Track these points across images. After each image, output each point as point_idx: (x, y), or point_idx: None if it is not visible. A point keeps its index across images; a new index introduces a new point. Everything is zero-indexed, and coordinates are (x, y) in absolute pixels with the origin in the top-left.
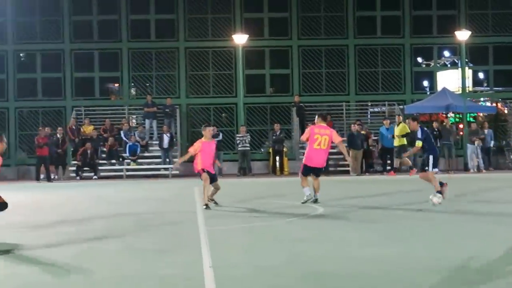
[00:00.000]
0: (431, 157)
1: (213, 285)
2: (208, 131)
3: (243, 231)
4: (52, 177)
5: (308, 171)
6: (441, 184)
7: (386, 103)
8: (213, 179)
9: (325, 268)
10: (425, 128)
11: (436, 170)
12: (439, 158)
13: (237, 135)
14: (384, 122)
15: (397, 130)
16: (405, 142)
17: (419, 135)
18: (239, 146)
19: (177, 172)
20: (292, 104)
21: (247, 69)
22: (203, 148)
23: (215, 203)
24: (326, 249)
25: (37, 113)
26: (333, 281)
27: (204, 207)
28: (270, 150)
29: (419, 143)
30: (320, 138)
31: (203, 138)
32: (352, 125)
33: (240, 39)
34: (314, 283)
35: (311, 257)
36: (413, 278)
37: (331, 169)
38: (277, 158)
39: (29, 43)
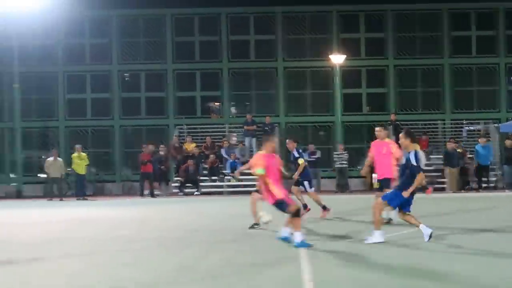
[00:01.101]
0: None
1: None
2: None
3: (341, 246)
4: (156, 192)
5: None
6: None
7: (482, 121)
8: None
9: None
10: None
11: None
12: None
13: (335, 152)
14: (480, 140)
15: None
16: None
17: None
18: (337, 163)
19: None
20: (389, 122)
21: (344, 88)
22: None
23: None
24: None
25: (141, 131)
26: None
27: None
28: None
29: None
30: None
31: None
32: (448, 143)
33: (337, 59)
34: None
35: (406, 272)
36: None
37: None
38: (373, 175)
39: (133, 63)
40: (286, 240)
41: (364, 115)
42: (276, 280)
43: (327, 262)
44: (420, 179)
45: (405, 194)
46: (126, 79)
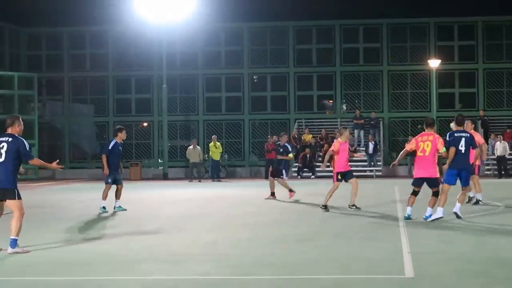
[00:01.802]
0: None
1: (411, 268)
2: (346, 132)
3: (437, 223)
4: None
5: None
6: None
7: None
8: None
9: (508, 256)
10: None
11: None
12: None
13: None
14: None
15: None
16: None
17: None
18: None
19: (380, 173)
20: (478, 117)
21: (439, 88)
22: (340, 149)
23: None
24: (509, 239)
25: (266, 124)
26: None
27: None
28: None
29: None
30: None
31: (339, 139)
32: None
33: (434, 63)
34: (497, 268)
35: (496, 245)
36: None
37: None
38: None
39: (261, 67)
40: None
41: (456, 111)
42: (380, 250)
43: (423, 237)
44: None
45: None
46: (255, 80)
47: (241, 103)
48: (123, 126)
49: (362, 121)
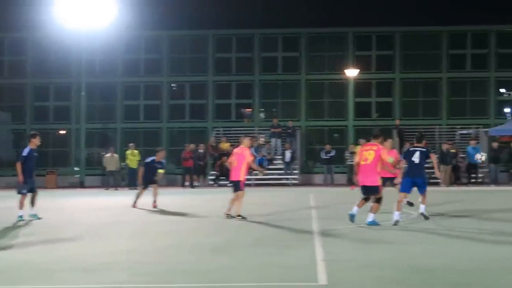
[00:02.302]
0: None
1: (325, 275)
2: (245, 140)
3: (351, 231)
4: (195, 184)
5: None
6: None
7: (473, 126)
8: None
9: (422, 263)
10: None
11: None
12: None
13: (347, 151)
14: (471, 142)
15: None
16: None
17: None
18: (348, 161)
19: (296, 181)
20: (394, 126)
21: (356, 97)
22: (236, 157)
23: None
24: (422, 247)
25: (184, 132)
26: (429, 275)
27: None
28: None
29: None
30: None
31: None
32: (443, 144)
33: (351, 73)
34: (412, 275)
35: (411, 253)
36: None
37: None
38: None
39: (180, 76)
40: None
41: (373, 120)
42: (293, 258)
43: (337, 245)
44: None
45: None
46: (173, 89)
47: (159, 111)
48: (37, 132)
49: (280, 129)
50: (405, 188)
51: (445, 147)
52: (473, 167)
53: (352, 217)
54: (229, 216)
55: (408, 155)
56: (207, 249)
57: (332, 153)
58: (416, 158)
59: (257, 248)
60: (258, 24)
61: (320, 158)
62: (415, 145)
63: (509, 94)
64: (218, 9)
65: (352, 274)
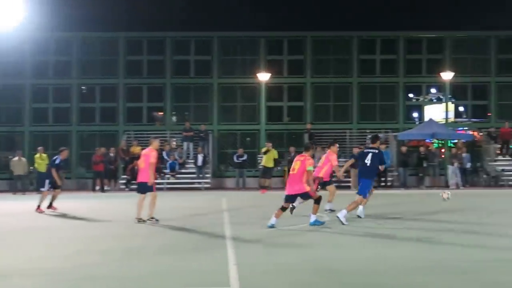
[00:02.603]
0: None
1: (236, 279)
2: (155, 142)
3: (263, 235)
4: (105, 188)
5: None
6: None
7: (383, 130)
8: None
9: (333, 266)
10: None
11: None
12: None
13: (259, 155)
14: (381, 146)
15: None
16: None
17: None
18: (260, 165)
19: (208, 185)
20: (305, 130)
21: (268, 101)
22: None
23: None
24: (333, 250)
25: (94, 136)
26: (340, 277)
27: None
28: (285, 168)
29: None
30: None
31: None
32: (354, 148)
33: (263, 77)
34: (324, 277)
35: (321, 256)
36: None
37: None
38: None
39: (90, 78)
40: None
41: (285, 124)
42: (206, 262)
43: (250, 248)
44: None
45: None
46: (83, 91)
47: (69, 114)
48: None
49: (192, 133)
50: (364, 191)
51: (355, 151)
52: (383, 171)
53: (272, 227)
54: (140, 220)
55: (360, 157)
56: (118, 255)
57: (244, 157)
58: (368, 160)
59: (169, 253)
60: (170, 27)
61: (233, 162)
62: (372, 146)
63: (417, 99)
64: (129, 11)
65: (264, 278)
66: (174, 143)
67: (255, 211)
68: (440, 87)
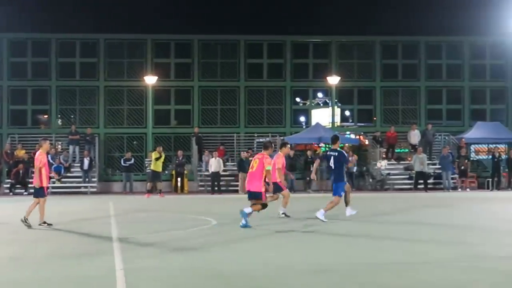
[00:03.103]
0: None
1: (123, 284)
2: (45, 144)
3: (150, 239)
4: None
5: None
6: None
7: (270, 134)
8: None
9: (220, 270)
10: None
11: None
12: None
13: (146, 159)
14: (268, 150)
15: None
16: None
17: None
18: (148, 168)
19: (95, 189)
20: (192, 134)
21: (155, 105)
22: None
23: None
24: (221, 254)
25: None
26: (227, 281)
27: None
28: (173, 172)
29: None
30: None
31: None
32: (242, 153)
33: (150, 80)
34: (211, 282)
35: (209, 260)
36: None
37: (223, 188)
38: (179, 179)
39: None
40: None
41: (172, 127)
42: (92, 268)
43: (137, 253)
44: None
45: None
46: None
47: None
48: None
49: (78, 136)
50: (339, 192)
51: (243, 155)
52: (268, 173)
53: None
54: (27, 223)
55: (326, 160)
56: (2, 261)
57: (132, 161)
58: (331, 163)
59: (55, 259)
60: (57, 29)
61: (120, 165)
62: (332, 148)
63: (304, 103)
64: (13, 11)
65: (151, 282)
66: (60, 146)
67: (143, 215)
68: (327, 91)
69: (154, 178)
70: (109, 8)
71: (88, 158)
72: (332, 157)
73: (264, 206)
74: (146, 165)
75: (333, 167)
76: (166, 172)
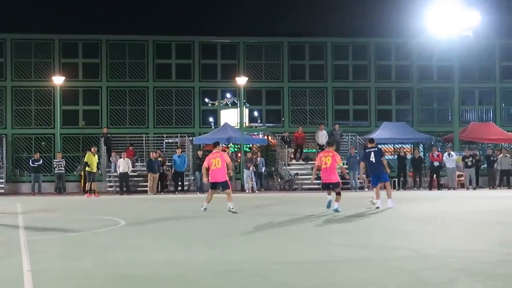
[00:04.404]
0: None
1: (30, 286)
2: None
3: (58, 240)
4: None
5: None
6: None
7: (179, 135)
8: None
9: (127, 271)
10: None
11: None
12: None
13: (54, 160)
14: (177, 150)
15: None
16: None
17: None
18: (56, 169)
19: (2, 190)
20: (101, 135)
21: (63, 105)
22: None
23: None
24: (128, 255)
25: None
26: (133, 282)
27: None
28: (82, 173)
29: None
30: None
31: None
32: (151, 153)
33: (58, 80)
34: (117, 283)
35: (116, 261)
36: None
37: (131, 189)
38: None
39: None
40: None
41: (80, 128)
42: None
43: (44, 254)
44: None
45: None
46: None
47: None
48: None
49: None
50: (375, 181)
51: (152, 155)
52: (179, 175)
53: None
54: None
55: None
56: None
57: (40, 162)
58: (372, 158)
59: None
60: (9, 28)
61: (28, 166)
62: (370, 146)
63: (213, 104)
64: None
65: (58, 284)
66: None
67: (52, 216)
68: (235, 92)
69: (91, 179)
70: (16, 8)
71: None
72: (372, 153)
73: (340, 193)
74: (55, 165)
75: (374, 161)
76: (75, 173)
